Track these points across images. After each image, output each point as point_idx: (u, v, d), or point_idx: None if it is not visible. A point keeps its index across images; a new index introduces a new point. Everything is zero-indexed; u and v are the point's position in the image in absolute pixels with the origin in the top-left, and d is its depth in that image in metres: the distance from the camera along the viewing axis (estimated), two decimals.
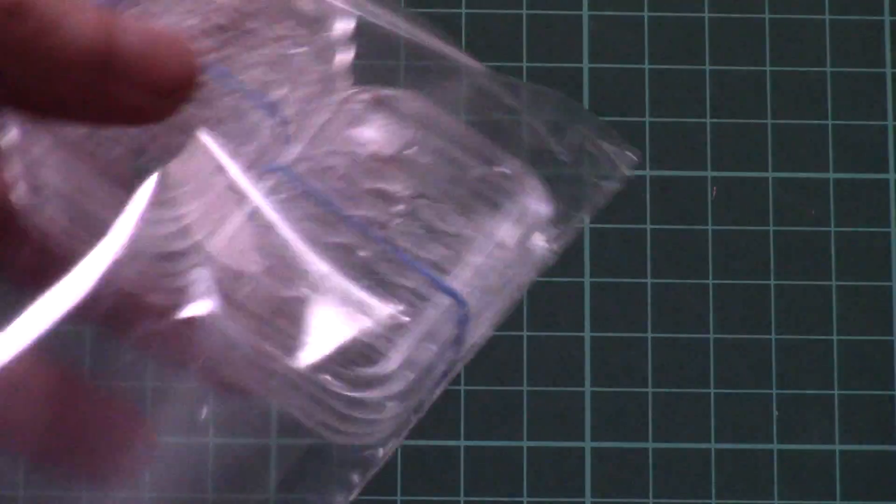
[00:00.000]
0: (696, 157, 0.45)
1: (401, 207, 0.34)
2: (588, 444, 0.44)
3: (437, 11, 0.46)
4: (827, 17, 0.46)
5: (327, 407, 0.33)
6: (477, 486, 0.43)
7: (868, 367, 0.44)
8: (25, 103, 0.31)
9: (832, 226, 0.45)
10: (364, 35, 0.36)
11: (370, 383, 0.33)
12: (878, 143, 0.45)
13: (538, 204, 0.34)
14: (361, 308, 0.34)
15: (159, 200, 0.33)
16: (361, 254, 0.34)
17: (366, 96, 0.34)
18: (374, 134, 0.34)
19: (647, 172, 0.45)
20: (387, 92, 0.34)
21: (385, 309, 0.34)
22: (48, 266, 0.32)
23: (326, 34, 0.34)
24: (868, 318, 0.44)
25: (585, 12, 0.46)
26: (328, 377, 0.32)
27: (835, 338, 0.44)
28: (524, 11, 0.46)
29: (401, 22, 0.36)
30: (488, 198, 0.34)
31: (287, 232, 0.33)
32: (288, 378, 0.33)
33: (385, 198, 0.34)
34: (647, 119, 0.45)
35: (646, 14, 0.46)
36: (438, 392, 0.34)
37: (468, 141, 0.34)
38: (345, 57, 0.34)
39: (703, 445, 0.44)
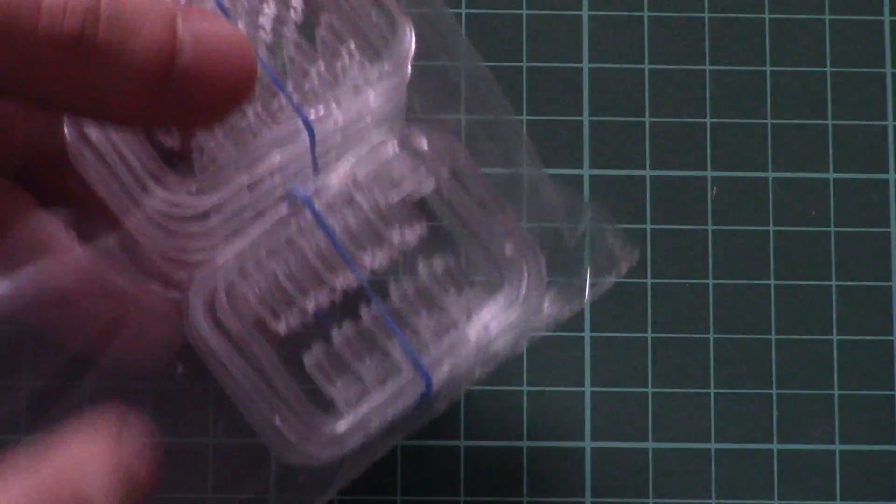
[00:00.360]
0: (696, 157, 0.45)
1: (404, 264, 0.34)
2: (588, 444, 0.43)
3: (439, 12, 0.46)
4: (827, 17, 0.46)
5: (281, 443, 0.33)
6: (477, 486, 0.43)
7: (868, 367, 0.44)
8: (85, 114, 0.31)
9: (832, 226, 0.45)
10: (427, 78, 0.36)
11: (319, 440, 0.33)
12: (878, 143, 0.45)
13: (533, 292, 0.34)
14: (336, 363, 0.34)
15: (186, 184, 0.33)
16: (355, 305, 0.34)
17: (406, 138, 0.34)
18: (404, 177, 0.34)
19: (647, 172, 0.45)
20: (422, 138, 0.34)
21: (359, 370, 0.34)
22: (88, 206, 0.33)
23: (389, 70, 0.34)
24: (868, 318, 0.44)
25: (585, 12, 0.46)
26: (282, 425, 0.33)
27: (835, 338, 0.44)
28: (524, 11, 0.46)
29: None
30: (489, 276, 0.35)
31: (286, 264, 0.33)
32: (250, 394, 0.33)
33: (392, 249, 0.34)
34: (647, 119, 0.45)
35: (646, 14, 0.46)
36: (388, 448, 0.35)
37: (486, 208, 0.34)
38: (399, 96, 0.34)
39: (703, 445, 0.44)
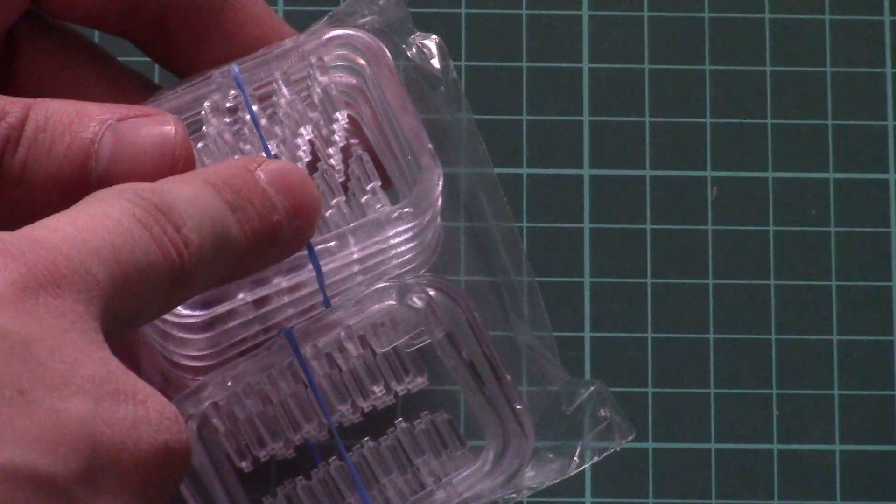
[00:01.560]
0: (696, 157, 0.45)
1: (384, 419, 0.34)
2: (588, 445, 0.43)
3: (437, 11, 0.46)
4: (827, 17, 0.46)
5: None
6: None
7: (868, 367, 0.44)
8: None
9: (832, 226, 0.45)
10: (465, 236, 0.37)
11: None
12: (878, 143, 0.45)
13: (514, 461, 0.34)
14: None
15: None
16: (325, 453, 0.34)
17: (406, 292, 0.34)
18: (401, 331, 0.34)
19: (647, 172, 0.45)
20: (424, 294, 0.34)
21: None
22: None
23: (410, 211, 0.34)
24: (868, 318, 0.44)
25: (585, 12, 0.46)
26: None
27: (835, 338, 0.44)
28: (524, 11, 0.46)
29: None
30: (469, 440, 0.35)
31: (263, 402, 0.33)
32: None
33: (375, 402, 0.34)
34: (647, 119, 0.45)
35: (646, 14, 0.46)
36: None
37: (478, 372, 0.34)
38: (426, 240, 0.34)
39: (703, 445, 0.44)
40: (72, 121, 0.31)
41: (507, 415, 0.34)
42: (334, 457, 0.34)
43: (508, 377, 0.34)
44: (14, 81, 0.33)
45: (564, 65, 0.46)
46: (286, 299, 0.34)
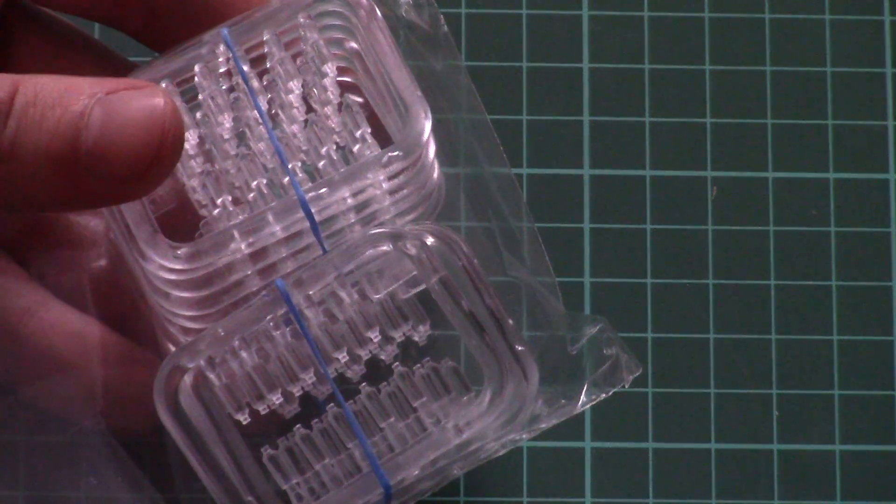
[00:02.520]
0: (696, 157, 0.45)
1: (382, 365, 0.34)
2: (588, 444, 0.43)
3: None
4: (827, 17, 0.46)
5: None
6: (477, 486, 0.43)
7: (868, 367, 0.44)
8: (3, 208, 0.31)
9: (832, 226, 0.45)
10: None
11: None
12: (878, 143, 0.45)
13: (516, 399, 0.34)
14: (295, 458, 0.34)
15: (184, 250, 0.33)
16: (322, 402, 0.34)
17: (402, 237, 0.34)
18: (395, 277, 0.34)
19: (647, 172, 0.45)
20: (420, 240, 0.34)
21: (317, 467, 0.34)
22: None
23: (401, 154, 0.34)
24: (868, 318, 0.44)
25: (585, 12, 0.46)
26: None
27: (835, 338, 0.44)
28: (524, 11, 0.46)
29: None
30: (470, 381, 0.34)
31: (258, 355, 0.33)
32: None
33: (372, 349, 0.34)
34: (647, 119, 0.45)
35: (646, 14, 0.46)
36: None
37: (482, 303, 0.34)
38: (420, 183, 0.34)
39: (703, 445, 0.44)
40: (61, 95, 0.31)
41: (506, 357, 0.34)
42: (333, 405, 0.34)
43: (510, 322, 0.34)
44: (7, 70, 0.33)
45: (564, 65, 0.46)
46: (284, 252, 0.34)
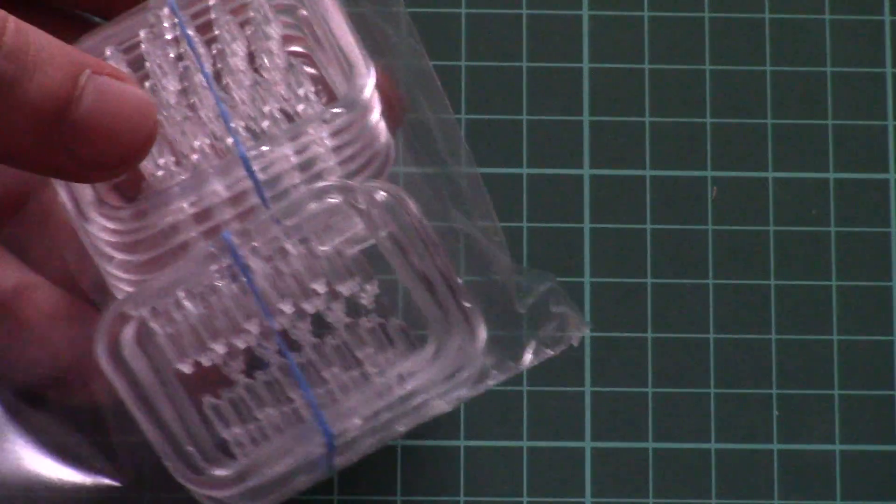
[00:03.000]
0: (696, 157, 0.45)
1: (327, 316, 0.34)
2: (588, 444, 0.44)
3: (437, 11, 0.46)
4: (827, 17, 0.46)
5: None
6: (477, 486, 0.43)
7: (868, 367, 0.44)
8: None
9: (832, 226, 0.45)
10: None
11: (204, 482, 0.34)
12: (878, 143, 0.45)
13: (461, 352, 0.34)
14: (237, 408, 0.34)
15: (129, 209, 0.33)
16: (265, 355, 0.34)
17: (349, 190, 0.34)
18: (342, 230, 0.34)
19: (647, 172, 0.45)
20: (368, 192, 0.34)
21: (259, 417, 0.34)
22: None
23: (344, 110, 0.34)
24: (868, 318, 0.44)
25: (585, 12, 0.46)
26: (168, 464, 0.33)
27: (835, 338, 0.44)
28: (524, 11, 0.46)
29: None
30: (417, 331, 0.34)
31: (202, 306, 0.34)
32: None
33: (317, 301, 0.34)
34: (647, 119, 0.45)
35: (646, 14, 0.46)
36: (306, 486, 0.35)
37: (432, 261, 0.34)
38: (364, 140, 0.34)
39: (703, 445, 0.44)
40: (60, 55, 0.30)
41: (453, 313, 0.34)
42: (277, 356, 0.34)
43: (459, 280, 0.34)
44: None
45: (564, 65, 0.46)
46: (229, 213, 0.34)
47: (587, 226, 0.45)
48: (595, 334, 0.44)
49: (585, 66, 0.46)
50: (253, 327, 0.34)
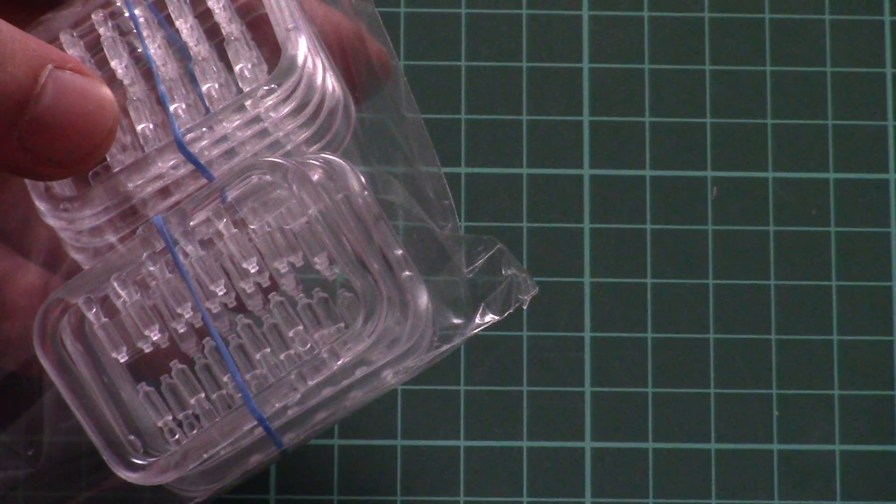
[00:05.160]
0: (696, 157, 0.45)
1: (258, 301, 0.34)
2: (588, 444, 0.44)
3: (437, 11, 0.46)
4: (827, 17, 0.46)
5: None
6: (477, 486, 0.43)
7: (868, 367, 0.44)
8: None
9: (832, 226, 0.45)
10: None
11: (136, 468, 0.34)
12: (878, 143, 0.45)
13: (399, 327, 0.34)
14: (169, 394, 0.34)
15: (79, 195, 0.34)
16: (199, 337, 0.34)
17: (283, 168, 0.33)
18: (277, 208, 0.34)
19: (647, 172, 0.45)
20: (316, 170, 0.34)
21: (191, 402, 0.34)
22: None
23: (275, 85, 0.34)
24: (868, 318, 0.44)
25: (585, 12, 0.46)
26: (101, 450, 0.33)
27: (835, 338, 0.44)
28: (524, 11, 0.46)
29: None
30: (354, 307, 0.34)
31: (136, 291, 0.34)
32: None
33: (247, 282, 0.34)
34: (647, 119, 0.45)
35: (646, 14, 0.46)
36: (262, 465, 0.35)
37: (367, 238, 0.33)
38: (305, 118, 0.34)
39: (703, 445, 0.44)
40: (21, 50, 0.30)
41: (389, 287, 0.33)
42: (209, 339, 0.34)
43: (399, 251, 0.33)
44: None
45: (564, 65, 0.46)
46: (176, 195, 0.34)
47: (587, 226, 0.45)
48: (595, 334, 0.44)
49: (585, 66, 0.46)
50: (186, 311, 0.34)
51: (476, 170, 0.45)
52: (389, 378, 0.35)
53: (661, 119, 0.45)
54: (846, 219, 0.45)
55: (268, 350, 0.34)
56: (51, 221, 0.34)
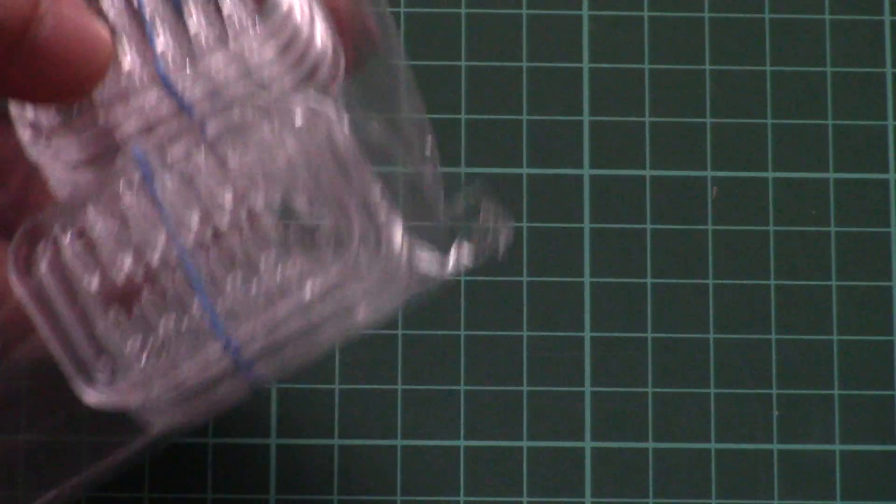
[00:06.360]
0: (696, 157, 0.45)
1: (234, 236, 0.34)
2: (588, 444, 0.44)
3: (438, 11, 0.46)
4: (827, 17, 0.46)
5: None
6: (477, 486, 0.43)
7: (868, 367, 0.44)
8: None
9: (832, 226, 0.45)
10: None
11: (104, 393, 0.34)
12: (878, 143, 0.45)
13: (373, 260, 0.34)
14: (138, 320, 0.34)
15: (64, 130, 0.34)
16: (167, 267, 0.34)
17: (271, 107, 0.33)
18: (257, 145, 0.34)
19: (647, 172, 0.45)
20: (295, 110, 0.34)
21: (158, 328, 0.34)
22: None
23: (262, 22, 0.34)
24: (868, 318, 0.44)
25: (585, 12, 0.46)
26: (70, 374, 0.33)
27: (835, 338, 0.44)
28: (524, 11, 0.46)
29: None
30: (329, 243, 0.34)
31: (110, 219, 0.34)
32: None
33: (222, 213, 0.34)
34: (647, 119, 0.45)
35: (646, 14, 0.46)
36: (230, 398, 0.35)
37: (348, 178, 0.33)
38: (295, 57, 0.34)
39: (703, 445, 0.44)
40: None
41: (363, 224, 0.33)
42: (181, 270, 0.34)
43: (376, 190, 0.33)
44: None
45: (564, 65, 0.46)
46: (161, 132, 0.34)
47: (587, 226, 0.45)
48: (595, 334, 0.44)
49: (585, 66, 0.46)
50: (160, 243, 0.34)
51: (476, 170, 0.45)
52: (362, 316, 0.34)
53: (661, 119, 0.45)
54: (846, 219, 0.45)
55: (238, 280, 0.34)
56: (35, 154, 0.34)
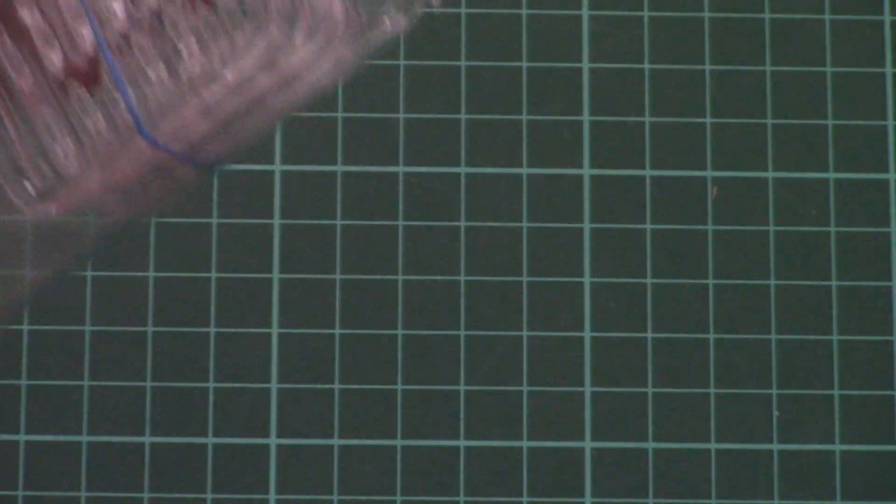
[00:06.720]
0: (696, 157, 0.45)
1: (154, 24, 0.33)
2: (588, 444, 0.43)
3: (438, 11, 0.46)
4: (827, 17, 0.46)
5: None
6: (477, 486, 0.43)
7: (868, 367, 0.44)
8: None
9: (832, 226, 0.45)
10: None
11: (30, 196, 0.33)
12: (878, 143, 0.45)
13: (302, 26, 0.33)
14: (67, 117, 0.34)
15: None
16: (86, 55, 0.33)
17: None
18: None
19: (647, 172, 0.45)
20: None
21: (85, 122, 0.34)
22: None
23: None
24: (868, 318, 0.44)
25: (585, 12, 0.46)
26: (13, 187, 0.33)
27: (835, 338, 0.44)
28: (524, 11, 0.46)
29: None
30: (256, 14, 0.33)
31: (33, 13, 0.33)
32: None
33: (143, 4, 0.33)
34: (647, 119, 0.45)
35: (646, 14, 0.46)
36: (173, 191, 0.34)
37: None
38: None
39: (703, 445, 0.44)
40: None
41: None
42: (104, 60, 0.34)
43: None
44: None
45: (564, 65, 0.46)
46: None
47: (587, 226, 0.45)
48: (595, 334, 0.44)
49: (585, 66, 0.46)
50: (85, 30, 0.33)
51: (476, 170, 0.45)
52: (313, 77, 0.34)
53: (661, 119, 0.45)
54: (846, 219, 0.45)
55: (163, 69, 0.33)
56: None
